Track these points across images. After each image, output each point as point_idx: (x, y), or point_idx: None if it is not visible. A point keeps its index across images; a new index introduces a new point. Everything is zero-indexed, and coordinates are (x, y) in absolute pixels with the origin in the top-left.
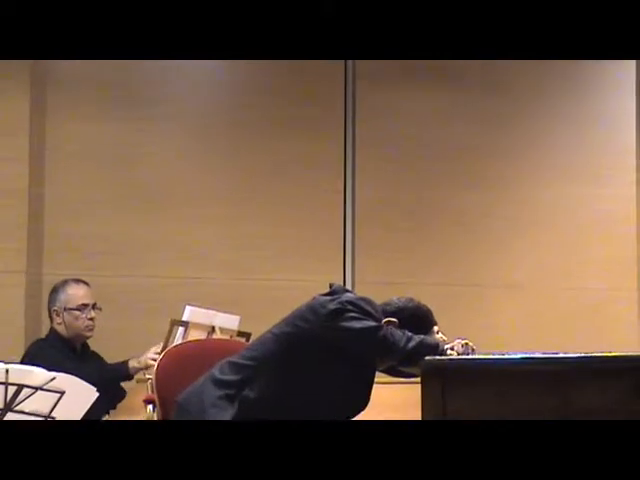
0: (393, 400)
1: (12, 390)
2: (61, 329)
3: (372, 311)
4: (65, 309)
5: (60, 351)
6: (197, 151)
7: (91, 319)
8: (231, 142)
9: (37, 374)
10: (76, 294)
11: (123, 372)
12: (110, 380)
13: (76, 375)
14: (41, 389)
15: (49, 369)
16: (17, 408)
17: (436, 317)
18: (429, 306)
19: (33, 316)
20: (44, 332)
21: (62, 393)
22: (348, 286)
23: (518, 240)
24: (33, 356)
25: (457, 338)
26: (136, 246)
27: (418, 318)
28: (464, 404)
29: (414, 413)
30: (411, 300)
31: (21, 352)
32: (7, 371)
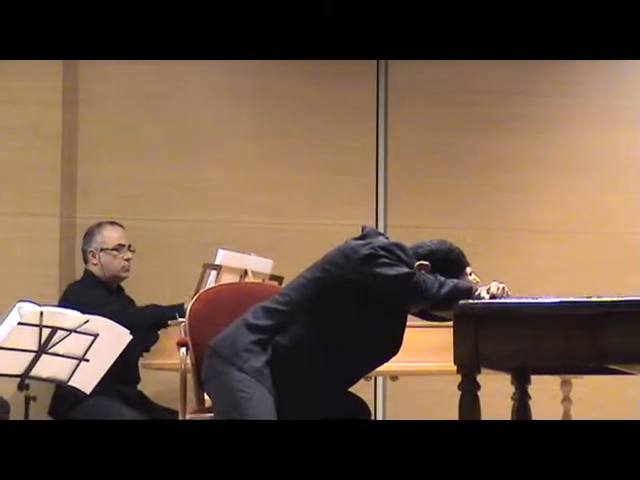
0: (427, 344)
1: (46, 333)
2: (96, 270)
3: (404, 257)
4: (102, 250)
5: (100, 291)
6: (230, 93)
7: (127, 260)
8: (264, 85)
9: (71, 316)
10: (112, 235)
11: (181, 313)
12: (166, 320)
13: (123, 314)
14: (75, 332)
15: (91, 312)
16: (51, 350)
17: (469, 261)
18: (466, 249)
19: (67, 259)
20: (78, 275)
21: (96, 336)
22: (380, 229)
23: (552, 184)
24: (72, 298)
25: (494, 281)
26: (168, 189)
27: (450, 260)
28: (496, 348)
29: (448, 356)
30: (443, 242)
31: (55, 295)
32: (41, 313)
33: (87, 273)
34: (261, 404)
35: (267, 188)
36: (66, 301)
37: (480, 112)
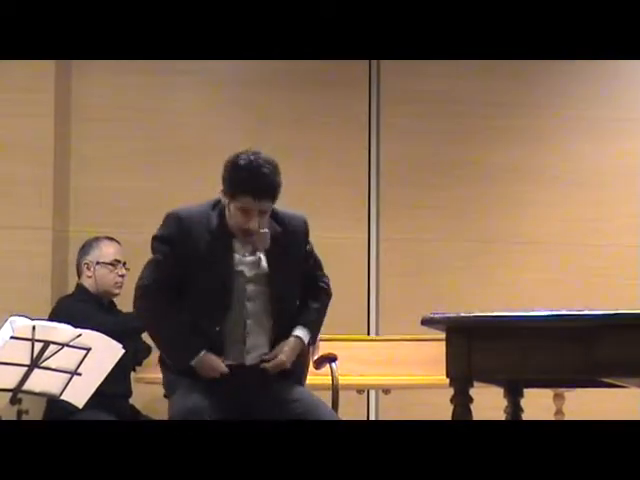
0: (419, 357)
1: (38, 347)
2: (89, 283)
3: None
4: (97, 263)
5: (90, 304)
6: (222, 106)
7: (122, 276)
8: (256, 97)
9: (63, 330)
10: (109, 250)
11: None
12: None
13: (109, 326)
14: (67, 346)
15: (80, 324)
16: (43, 364)
17: (462, 273)
18: (459, 262)
19: (59, 272)
20: (70, 289)
21: (88, 350)
22: (373, 242)
23: (546, 196)
24: (62, 312)
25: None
26: (161, 202)
27: (224, 179)
28: (489, 361)
29: (440, 370)
30: (236, 157)
31: (47, 309)
32: (33, 327)
33: (79, 287)
34: (189, 397)
35: None
36: (56, 315)
37: (474, 124)
